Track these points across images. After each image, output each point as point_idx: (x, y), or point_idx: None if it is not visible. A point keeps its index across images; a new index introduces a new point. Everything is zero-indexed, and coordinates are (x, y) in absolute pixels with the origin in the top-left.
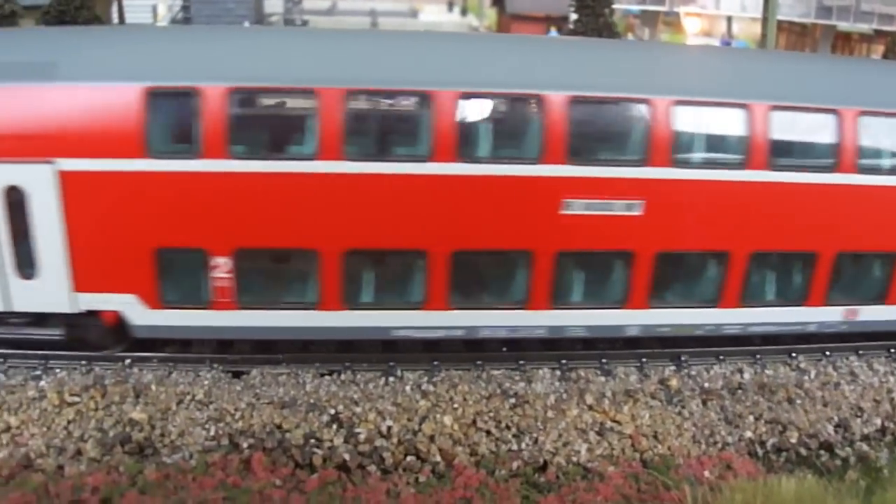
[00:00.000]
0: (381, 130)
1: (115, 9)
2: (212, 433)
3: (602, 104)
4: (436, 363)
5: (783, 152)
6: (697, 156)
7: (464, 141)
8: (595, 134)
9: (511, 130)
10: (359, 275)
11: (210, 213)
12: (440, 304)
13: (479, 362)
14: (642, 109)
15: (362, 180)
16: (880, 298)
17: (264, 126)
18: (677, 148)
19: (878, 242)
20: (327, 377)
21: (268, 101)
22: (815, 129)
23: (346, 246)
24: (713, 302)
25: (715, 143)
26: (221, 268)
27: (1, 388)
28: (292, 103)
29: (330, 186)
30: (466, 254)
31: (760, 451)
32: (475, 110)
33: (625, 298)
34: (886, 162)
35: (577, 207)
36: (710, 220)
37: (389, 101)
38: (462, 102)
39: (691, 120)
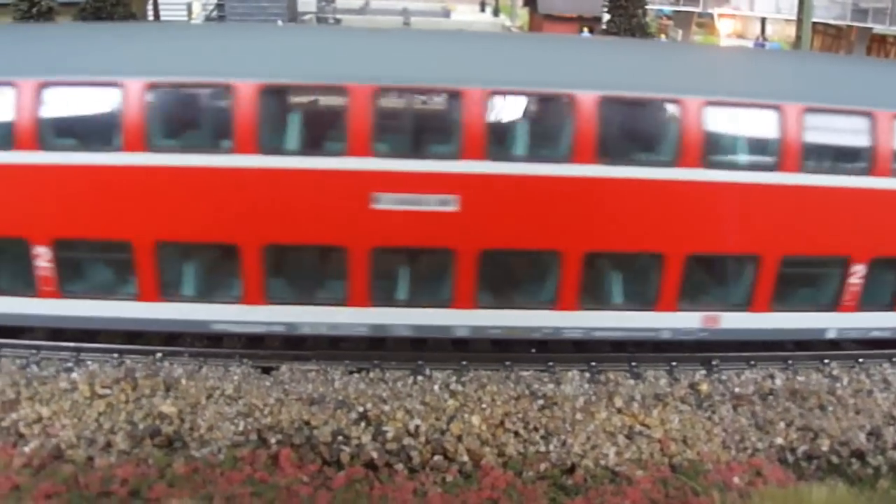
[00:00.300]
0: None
1: (150, 6)
2: (240, 428)
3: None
4: (464, 363)
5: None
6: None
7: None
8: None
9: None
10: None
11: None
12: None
13: (507, 363)
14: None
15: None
16: (743, 305)
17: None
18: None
19: (734, 244)
20: (356, 374)
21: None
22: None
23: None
24: (550, 304)
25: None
26: (42, 257)
27: (33, 379)
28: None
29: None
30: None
31: (791, 459)
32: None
33: (451, 298)
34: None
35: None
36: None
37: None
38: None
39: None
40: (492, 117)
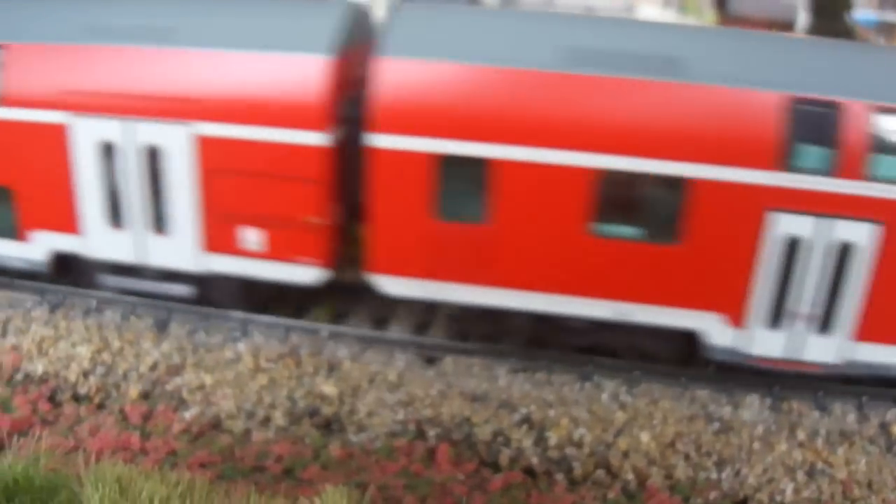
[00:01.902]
0: None
1: None
2: (399, 417)
3: None
4: (636, 374)
5: None
6: None
7: None
8: None
9: None
10: None
11: None
12: None
13: (683, 379)
14: None
15: None
16: None
17: None
18: None
19: None
20: (521, 374)
21: None
22: None
23: None
24: None
25: None
26: None
27: (200, 346)
28: None
29: None
30: None
31: None
32: None
33: None
34: None
35: None
36: None
37: None
38: None
39: None
40: None
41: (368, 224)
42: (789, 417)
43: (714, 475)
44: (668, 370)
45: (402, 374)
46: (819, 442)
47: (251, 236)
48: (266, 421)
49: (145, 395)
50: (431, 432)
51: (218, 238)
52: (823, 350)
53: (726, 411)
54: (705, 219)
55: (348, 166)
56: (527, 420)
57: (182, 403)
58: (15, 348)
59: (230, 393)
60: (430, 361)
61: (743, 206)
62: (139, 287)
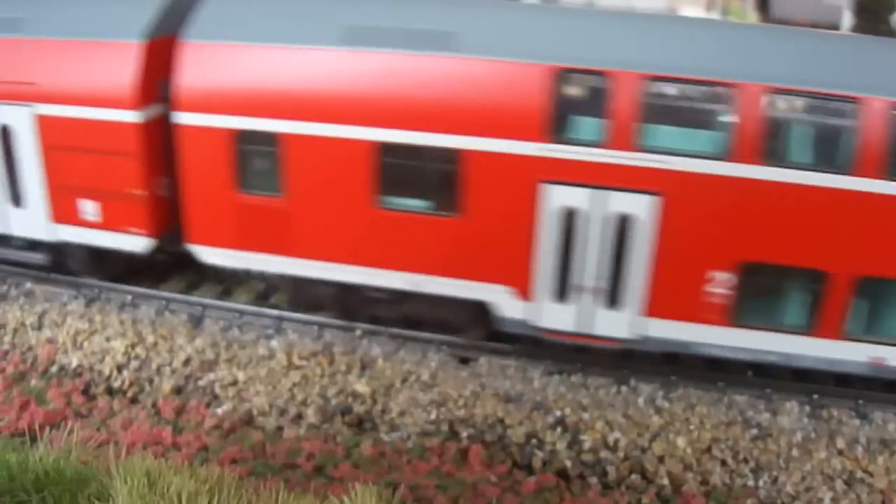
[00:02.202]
0: None
1: None
2: (432, 417)
3: None
4: (673, 378)
5: None
6: None
7: None
8: None
9: None
10: None
11: None
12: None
13: (720, 384)
14: None
15: None
16: None
17: None
18: None
19: None
20: (556, 376)
21: None
22: None
23: None
24: None
25: None
26: None
27: (234, 342)
28: None
29: None
30: None
31: None
32: None
33: None
34: None
35: None
36: None
37: None
38: None
39: None
40: None
41: (182, 197)
42: (829, 425)
43: (751, 482)
44: (705, 375)
45: (435, 374)
46: (859, 450)
47: (89, 207)
48: (298, 418)
49: (178, 390)
50: (464, 433)
51: (62, 209)
52: (615, 325)
53: (764, 417)
54: (481, 191)
55: (169, 142)
56: (561, 423)
57: (215, 399)
58: (50, 341)
59: (263, 389)
60: (464, 361)
61: (516, 179)
62: (4, 255)
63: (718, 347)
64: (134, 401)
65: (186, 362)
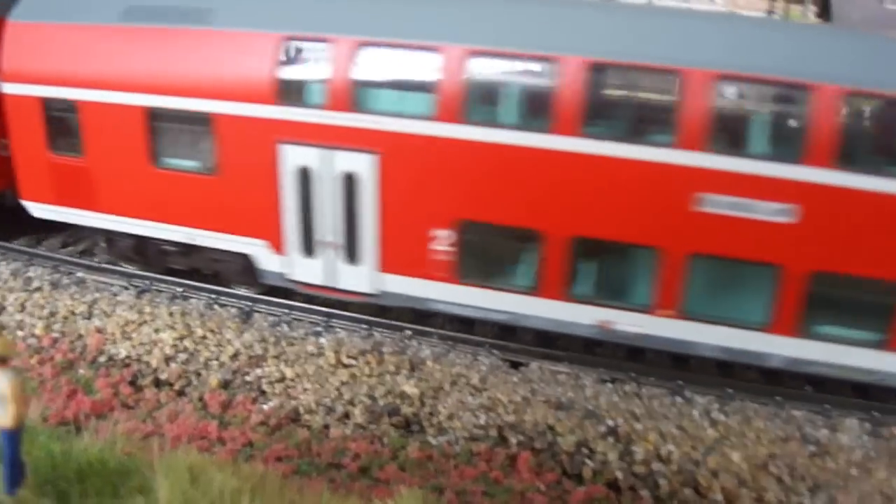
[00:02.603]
0: None
1: None
2: (481, 422)
3: None
4: (730, 390)
5: None
6: None
7: None
8: None
9: None
10: None
11: None
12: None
13: (778, 398)
14: None
15: None
16: None
17: None
18: None
19: None
20: (609, 384)
21: None
22: None
23: None
24: None
25: None
26: None
27: (282, 338)
28: None
29: None
30: None
31: None
32: None
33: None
34: None
35: None
36: None
37: None
38: None
39: None
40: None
41: (12, 157)
42: (889, 444)
43: (807, 501)
44: (762, 387)
45: (485, 378)
46: None
47: None
48: (345, 417)
49: (225, 385)
50: (513, 439)
51: None
52: (356, 279)
53: (823, 434)
54: (232, 152)
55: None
56: (613, 432)
57: (261, 395)
58: (99, 330)
59: (310, 387)
60: (515, 366)
61: (257, 140)
62: None
63: (449, 304)
64: (181, 393)
65: (234, 357)
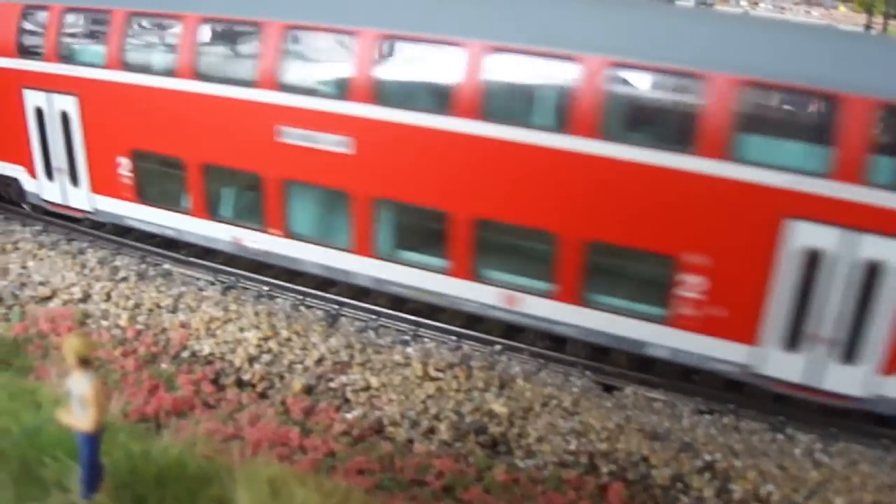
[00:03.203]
0: None
1: None
2: (572, 447)
3: None
4: (833, 430)
5: None
6: None
7: None
8: None
9: None
10: None
11: None
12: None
13: (885, 440)
14: None
15: None
16: None
17: None
18: None
19: None
20: (707, 416)
21: None
22: None
23: None
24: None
25: None
26: None
27: (369, 345)
28: None
29: None
30: None
31: None
32: None
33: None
34: None
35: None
36: None
37: None
38: None
39: None
40: None
41: None
42: None
43: None
44: (869, 429)
45: (577, 401)
46: None
47: None
48: (430, 432)
49: (309, 390)
50: (605, 468)
51: None
52: (78, 198)
53: None
54: None
55: None
56: (710, 467)
57: (345, 403)
58: (183, 325)
59: (395, 398)
60: (609, 390)
61: (8, 86)
62: None
63: (137, 220)
64: (263, 396)
65: (319, 361)
